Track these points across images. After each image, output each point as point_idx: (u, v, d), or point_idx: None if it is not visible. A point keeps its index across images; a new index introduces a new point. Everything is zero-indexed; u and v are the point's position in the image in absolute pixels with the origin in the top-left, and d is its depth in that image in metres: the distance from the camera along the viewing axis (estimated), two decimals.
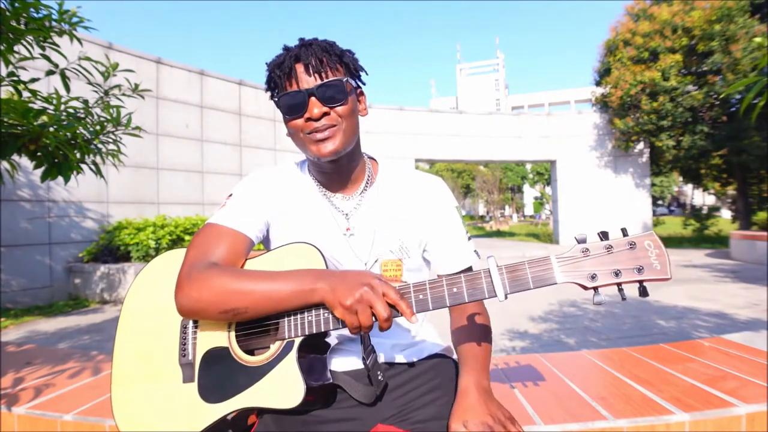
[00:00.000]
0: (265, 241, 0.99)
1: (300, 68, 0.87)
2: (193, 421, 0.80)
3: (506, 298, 0.74)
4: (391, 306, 0.74)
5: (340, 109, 0.87)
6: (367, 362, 0.86)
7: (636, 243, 0.74)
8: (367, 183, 0.99)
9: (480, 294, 0.76)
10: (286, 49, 0.90)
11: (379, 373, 0.88)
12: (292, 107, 0.87)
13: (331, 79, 0.86)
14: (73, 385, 1.50)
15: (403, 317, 0.74)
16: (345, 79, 0.88)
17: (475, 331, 0.94)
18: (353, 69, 0.91)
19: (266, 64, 0.91)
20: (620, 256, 0.73)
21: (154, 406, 0.83)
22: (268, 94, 0.93)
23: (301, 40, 0.91)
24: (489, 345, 0.94)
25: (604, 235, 0.75)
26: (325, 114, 0.86)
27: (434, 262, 1.01)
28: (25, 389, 1.44)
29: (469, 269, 0.99)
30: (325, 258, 0.83)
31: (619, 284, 0.74)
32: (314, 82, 0.86)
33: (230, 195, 0.95)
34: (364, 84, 0.97)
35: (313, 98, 0.86)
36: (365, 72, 0.96)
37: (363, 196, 0.98)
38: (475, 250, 1.01)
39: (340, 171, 0.95)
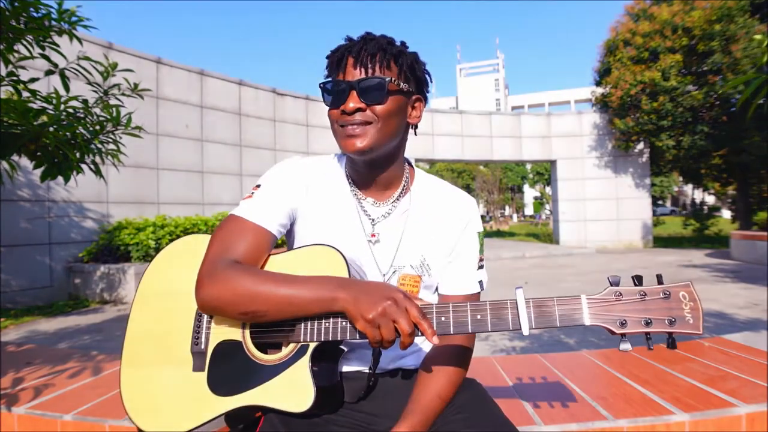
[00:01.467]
0: (288, 233, 0.97)
1: (350, 60, 0.84)
2: (199, 411, 0.80)
3: (529, 332, 0.74)
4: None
5: (377, 108, 0.84)
6: (373, 374, 0.87)
7: (671, 293, 0.72)
8: (401, 192, 0.96)
9: (504, 325, 0.74)
10: (349, 39, 0.88)
11: (372, 380, 0.88)
12: (332, 96, 0.86)
13: (374, 75, 0.83)
14: (73, 385, 1.50)
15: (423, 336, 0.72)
16: (389, 79, 0.84)
17: (445, 373, 0.88)
18: (408, 72, 0.88)
19: (330, 50, 0.90)
20: (653, 304, 0.72)
21: (162, 391, 0.83)
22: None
23: (368, 33, 0.88)
24: (451, 393, 0.87)
25: (638, 280, 0.73)
26: (360, 110, 0.83)
27: (446, 271, 0.98)
28: (25, 389, 1.44)
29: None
30: (348, 264, 0.82)
31: (648, 333, 0.72)
32: (358, 76, 0.84)
33: (258, 185, 0.92)
34: (427, 91, 0.94)
35: (353, 92, 0.83)
36: (429, 78, 0.93)
37: (395, 205, 0.95)
38: (480, 281, 0.97)
39: (374, 173, 0.92)
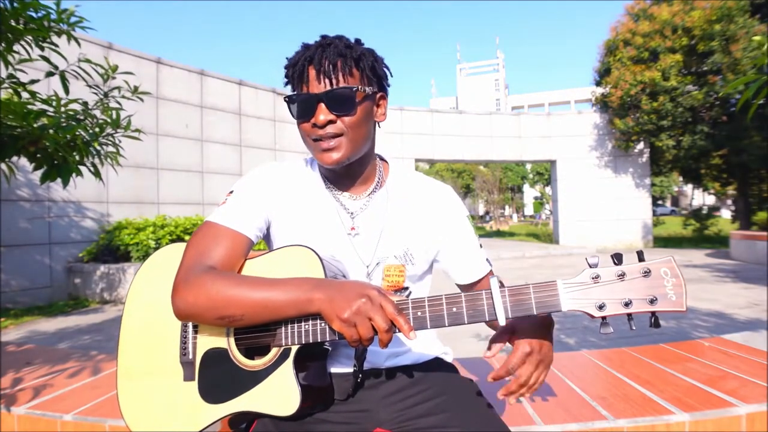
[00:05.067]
0: (266, 238, 0.97)
1: (312, 71, 0.84)
2: (193, 420, 0.81)
3: (506, 322, 0.72)
4: None
5: (347, 118, 0.84)
6: (359, 372, 0.87)
7: (651, 270, 0.69)
8: (376, 185, 0.97)
9: (480, 316, 0.73)
10: (305, 47, 0.87)
11: (359, 377, 0.89)
12: (300, 110, 0.86)
13: (341, 86, 0.83)
14: (73, 385, 1.50)
15: (401, 333, 0.72)
16: (356, 88, 0.84)
17: None
18: (370, 74, 0.88)
19: (286, 59, 0.89)
20: (633, 284, 0.69)
21: (157, 401, 0.84)
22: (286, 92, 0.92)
23: (323, 38, 0.87)
24: None
25: (617, 259, 0.70)
26: (331, 122, 0.84)
27: (448, 272, 1.00)
28: (25, 389, 1.44)
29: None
30: (323, 262, 0.81)
31: (629, 315, 0.70)
32: (324, 88, 0.83)
33: (231, 192, 0.92)
34: (387, 86, 0.94)
35: (321, 104, 0.83)
36: (389, 74, 0.93)
37: (371, 197, 0.96)
38: (487, 258, 0.99)
39: (349, 172, 0.93)
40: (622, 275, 0.70)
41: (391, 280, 0.92)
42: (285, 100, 0.88)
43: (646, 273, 0.69)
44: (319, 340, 0.78)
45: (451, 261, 0.98)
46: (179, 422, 0.82)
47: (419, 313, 0.75)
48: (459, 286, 1.01)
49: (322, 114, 0.83)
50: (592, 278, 0.71)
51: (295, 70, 0.86)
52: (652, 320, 0.70)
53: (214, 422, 0.81)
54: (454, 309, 0.74)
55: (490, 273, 0.99)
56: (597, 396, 1.30)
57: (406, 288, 0.94)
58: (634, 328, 0.70)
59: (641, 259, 0.71)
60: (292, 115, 0.88)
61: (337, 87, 0.83)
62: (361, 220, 0.94)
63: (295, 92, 0.87)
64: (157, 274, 0.90)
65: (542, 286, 0.72)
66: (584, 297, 0.70)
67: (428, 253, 0.97)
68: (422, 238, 0.95)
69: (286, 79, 0.90)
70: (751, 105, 1.73)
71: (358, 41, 0.90)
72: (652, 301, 0.68)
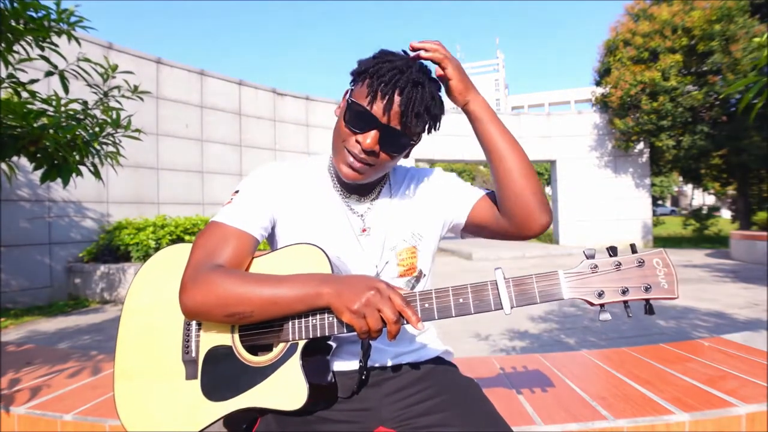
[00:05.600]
0: (270, 238, 0.98)
1: (396, 100, 0.82)
2: (195, 418, 0.81)
3: (511, 311, 0.75)
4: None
5: (386, 157, 0.88)
6: (365, 368, 0.87)
7: (645, 261, 0.74)
8: (382, 186, 1.01)
9: (486, 306, 0.76)
10: (398, 69, 0.82)
11: (364, 374, 0.89)
12: (355, 119, 0.85)
13: (404, 132, 0.86)
14: (73, 385, 1.50)
15: (409, 325, 0.73)
16: (414, 141, 0.89)
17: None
18: (433, 128, 0.93)
19: (373, 56, 0.86)
20: (628, 273, 0.74)
21: (156, 401, 0.84)
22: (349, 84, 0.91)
23: (418, 71, 0.84)
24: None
25: (612, 251, 0.75)
26: (373, 152, 0.86)
27: (456, 219, 1.00)
28: (25, 389, 1.44)
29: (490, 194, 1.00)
30: (330, 260, 0.82)
31: (625, 302, 0.74)
32: (391, 122, 0.84)
33: (236, 191, 0.93)
34: (428, 134, 0.96)
35: (377, 132, 0.84)
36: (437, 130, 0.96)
37: (378, 196, 0.99)
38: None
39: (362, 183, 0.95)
40: (618, 265, 0.75)
41: (406, 263, 0.96)
42: (348, 102, 0.86)
43: (640, 263, 0.74)
44: (327, 334, 0.79)
45: (452, 206, 1.00)
46: (180, 421, 0.81)
47: (426, 305, 0.77)
48: (467, 227, 1.00)
49: (370, 139, 0.84)
50: (591, 268, 0.75)
51: (378, 85, 0.82)
52: (647, 307, 0.73)
53: (218, 419, 0.81)
54: (461, 300, 0.76)
55: (487, 195, 0.99)
56: (597, 396, 1.30)
57: (421, 271, 0.97)
58: (630, 315, 0.74)
59: (634, 251, 0.75)
60: (344, 116, 0.87)
61: (400, 131, 0.85)
62: (370, 220, 0.97)
63: (368, 102, 0.83)
64: (157, 276, 0.90)
65: (544, 277, 0.76)
66: (584, 286, 0.75)
67: (434, 225, 1.00)
68: (424, 216, 1.00)
69: (357, 76, 0.87)
70: (753, 106, 1.74)
71: (438, 86, 0.90)
72: (646, 289, 0.73)
